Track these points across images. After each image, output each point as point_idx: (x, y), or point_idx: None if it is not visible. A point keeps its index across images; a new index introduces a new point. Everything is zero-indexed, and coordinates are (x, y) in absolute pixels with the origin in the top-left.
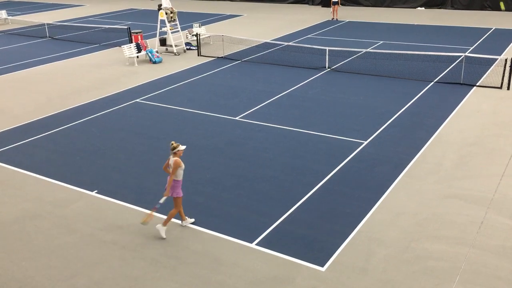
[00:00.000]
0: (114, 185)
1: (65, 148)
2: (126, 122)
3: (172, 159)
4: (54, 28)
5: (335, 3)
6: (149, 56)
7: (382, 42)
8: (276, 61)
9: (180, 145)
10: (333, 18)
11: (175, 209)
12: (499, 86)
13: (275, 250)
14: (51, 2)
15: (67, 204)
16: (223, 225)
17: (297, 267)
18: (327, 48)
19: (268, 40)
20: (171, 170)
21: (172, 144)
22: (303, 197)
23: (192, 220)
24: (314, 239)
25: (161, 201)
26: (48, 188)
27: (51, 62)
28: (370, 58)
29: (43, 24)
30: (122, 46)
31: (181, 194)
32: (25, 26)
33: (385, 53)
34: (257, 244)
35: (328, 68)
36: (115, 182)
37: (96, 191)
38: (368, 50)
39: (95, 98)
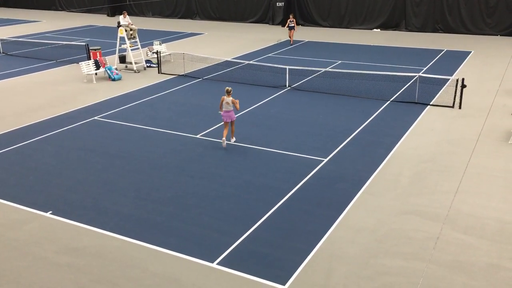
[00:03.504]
0: (69, 205)
1: (18, 167)
2: (83, 140)
3: (229, 98)
4: (8, 43)
5: (291, 28)
6: (108, 73)
7: (340, 61)
8: (237, 79)
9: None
10: (291, 42)
11: (233, 126)
12: (451, 105)
13: (236, 270)
14: (6, 18)
15: (20, 226)
16: (184, 244)
17: (258, 286)
18: (288, 67)
19: (229, 59)
20: (234, 105)
21: (228, 88)
22: (265, 215)
23: (224, 143)
24: (275, 257)
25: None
26: (0, 209)
27: (4, 78)
28: (329, 77)
29: None
30: (80, 63)
31: (235, 117)
32: None
33: (344, 72)
34: (218, 264)
35: (289, 86)
36: (71, 202)
37: (50, 211)
38: (327, 69)
39: (51, 115)
